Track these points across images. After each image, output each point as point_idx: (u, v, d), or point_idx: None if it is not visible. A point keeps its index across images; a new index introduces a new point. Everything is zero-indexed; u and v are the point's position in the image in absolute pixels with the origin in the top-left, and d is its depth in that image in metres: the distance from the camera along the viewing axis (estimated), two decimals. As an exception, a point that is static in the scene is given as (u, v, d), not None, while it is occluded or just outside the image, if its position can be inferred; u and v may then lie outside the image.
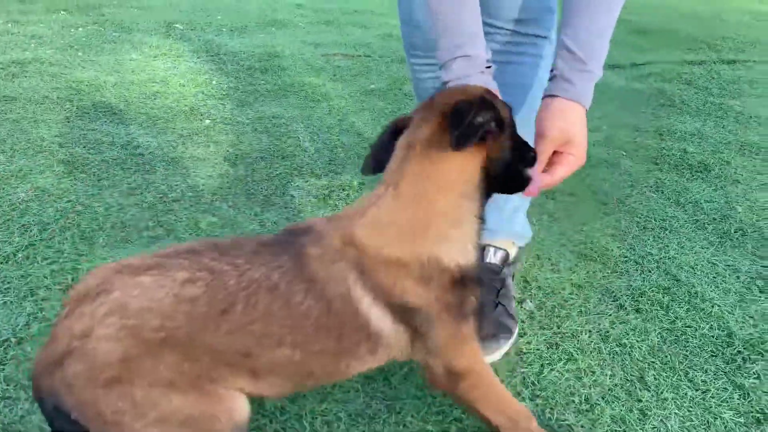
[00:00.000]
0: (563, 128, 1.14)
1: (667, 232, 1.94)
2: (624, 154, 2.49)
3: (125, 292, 0.89)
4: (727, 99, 3.17)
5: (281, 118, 2.61)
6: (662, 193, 2.19)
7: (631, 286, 1.65)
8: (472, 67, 1.19)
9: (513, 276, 1.60)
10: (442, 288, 0.99)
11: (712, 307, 1.57)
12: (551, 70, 1.19)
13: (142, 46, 3.37)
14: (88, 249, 1.64)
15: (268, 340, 0.93)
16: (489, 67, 1.22)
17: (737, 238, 1.92)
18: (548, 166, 1.17)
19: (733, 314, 1.55)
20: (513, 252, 1.59)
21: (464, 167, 1.00)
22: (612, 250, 1.82)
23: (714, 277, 1.70)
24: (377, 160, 1.06)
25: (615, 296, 1.61)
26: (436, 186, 0.99)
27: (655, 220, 2.01)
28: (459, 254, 1.00)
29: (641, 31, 4.52)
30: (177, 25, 3.84)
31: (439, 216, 0.99)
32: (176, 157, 2.19)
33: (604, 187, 2.21)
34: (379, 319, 0.98)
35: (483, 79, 1.19)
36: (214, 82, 2.95)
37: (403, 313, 0.98)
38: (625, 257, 1.78)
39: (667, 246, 1.86)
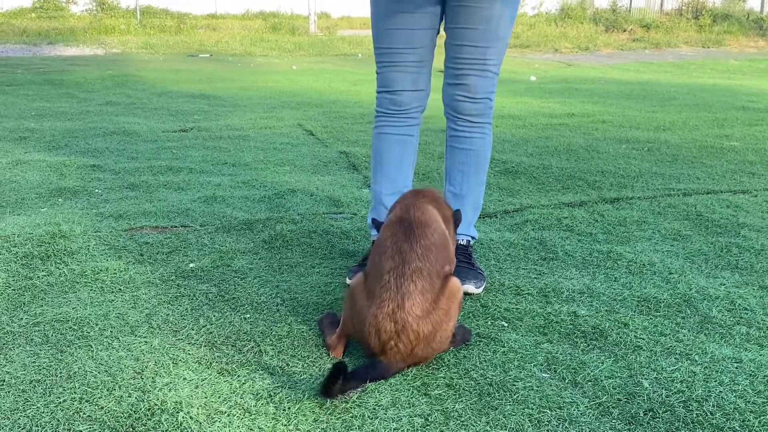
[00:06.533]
0: None
1: (566, 424, 1.96)
2: (505, 325, 2.55)
3: None
4: (615, 245, 3.39)
5: (68, 321, 2.48)
6: (555, 371, 2.23)
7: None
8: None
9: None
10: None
11: None
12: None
13: None
14: None
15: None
16: None
17: (648, 422, 1.97)
18: None
19: None
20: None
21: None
22: (502, 457, 1.81)
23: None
24: None
25: None
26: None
27: (550, 409, 2.03)
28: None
29: (510, 171, 4.84)
30: (-73, 205, 3.67)
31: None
32: None
33: (485, 371, 2.22)
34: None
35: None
36: (-26, 281, 2.80)
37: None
38: (520, 465, 1.77)
39: (568, 444, 1.87)
